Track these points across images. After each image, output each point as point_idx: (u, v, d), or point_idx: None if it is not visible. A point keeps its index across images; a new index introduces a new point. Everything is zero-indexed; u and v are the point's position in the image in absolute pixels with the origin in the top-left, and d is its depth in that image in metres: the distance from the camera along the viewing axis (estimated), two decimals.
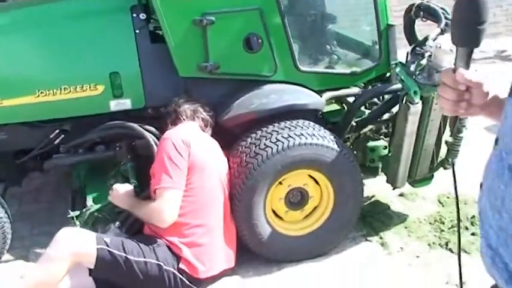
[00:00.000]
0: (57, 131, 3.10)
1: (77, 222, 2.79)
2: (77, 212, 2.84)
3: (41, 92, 2.87)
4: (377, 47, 3.20)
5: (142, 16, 2.99)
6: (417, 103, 2.69)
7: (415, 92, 2.65)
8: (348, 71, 3.26)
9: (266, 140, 2.76)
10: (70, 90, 2.90)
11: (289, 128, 2.82)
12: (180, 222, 2.50)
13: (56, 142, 3.11)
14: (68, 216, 2.82)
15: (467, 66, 1.14)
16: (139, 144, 3.05)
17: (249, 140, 2.84)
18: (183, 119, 2.79)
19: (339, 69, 3.31)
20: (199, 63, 2.94)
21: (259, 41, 2.99)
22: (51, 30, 2.95)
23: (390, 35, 3.16)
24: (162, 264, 2.43)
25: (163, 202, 2.45)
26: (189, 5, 2.87)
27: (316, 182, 2.93)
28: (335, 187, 2.91)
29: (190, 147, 2.54)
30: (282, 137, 2.76)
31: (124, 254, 2.39)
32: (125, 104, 3.02)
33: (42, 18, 3.00)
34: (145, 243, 2.47)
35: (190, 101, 2.87)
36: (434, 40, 2.74)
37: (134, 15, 3.00)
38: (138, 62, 2.97)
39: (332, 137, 2.87)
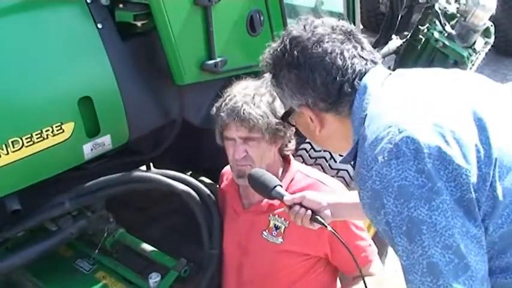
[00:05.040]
0: None
1: None
2: None
3: None
4: None
5: (105, 1, 1.86)
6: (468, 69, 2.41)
7: (467, 57, 2.35)
8: None
9: None
10: (22, 145, 1.65)
11: None
12: None
13: None
14: None
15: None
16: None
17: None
18: None
19: None
20: (203, 61, 2.02)
21: (261, 18, 2.22)
22: None
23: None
24: None
25: None
26: None
27: None
28: None
29: None
30: None
31: None
32: (104, 144, 1.89)
33: None
34: None
35: None
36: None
37: (88, 0, 1.84)
38: (112, 73, 1.86)
39: None
